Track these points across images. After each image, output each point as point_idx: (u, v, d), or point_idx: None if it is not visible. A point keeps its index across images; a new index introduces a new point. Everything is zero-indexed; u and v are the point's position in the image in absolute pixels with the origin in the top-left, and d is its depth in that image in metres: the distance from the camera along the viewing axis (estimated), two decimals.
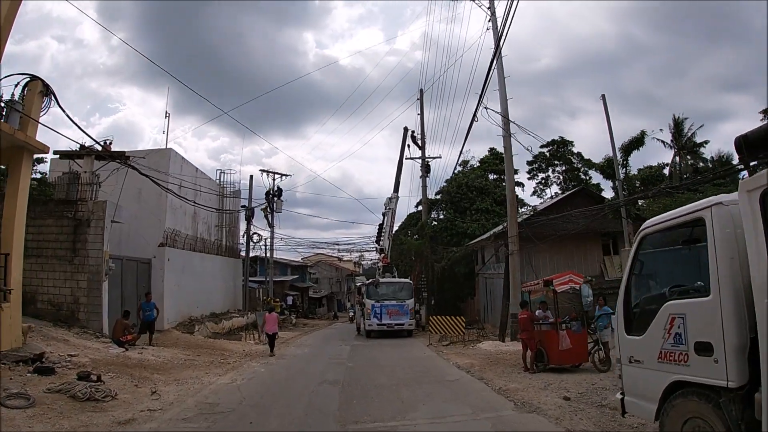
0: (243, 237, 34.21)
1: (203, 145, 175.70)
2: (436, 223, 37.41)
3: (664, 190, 20.36)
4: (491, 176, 40.68)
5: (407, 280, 26.60)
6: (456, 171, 39.40)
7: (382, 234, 29.95)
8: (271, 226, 38.03)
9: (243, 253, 34.26)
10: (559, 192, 40.56)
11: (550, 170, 44.66)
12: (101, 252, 17.36)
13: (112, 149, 20.15)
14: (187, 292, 24.04)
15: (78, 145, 18.42)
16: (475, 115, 20.11)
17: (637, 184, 30.08)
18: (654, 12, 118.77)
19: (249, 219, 33.44)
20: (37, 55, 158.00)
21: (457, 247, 31.65)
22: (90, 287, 17.18)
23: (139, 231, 22.60)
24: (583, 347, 12.85)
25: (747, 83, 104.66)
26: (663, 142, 34.81)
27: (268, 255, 39.23)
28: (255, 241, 34.51)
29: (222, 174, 32.36)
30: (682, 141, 35.05)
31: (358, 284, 33.55)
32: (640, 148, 30.46)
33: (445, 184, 41.25)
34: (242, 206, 33.62)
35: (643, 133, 29.08)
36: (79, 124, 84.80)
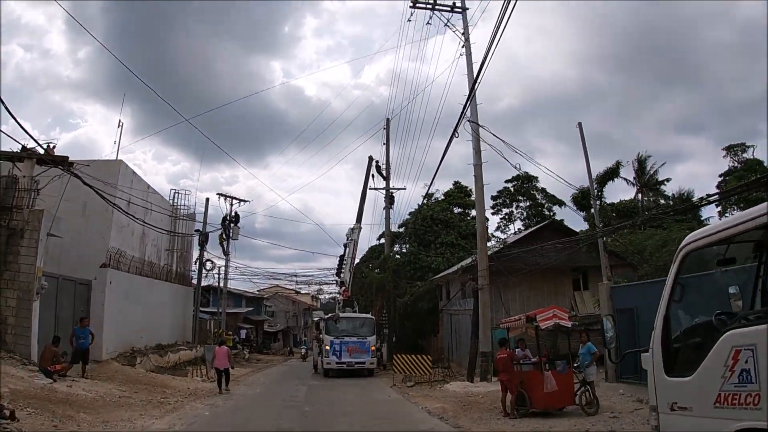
0: (195, 264, 32.35)
1: (163, 169, 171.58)
2: (399, 256, 36.24)
3: (655, 216, 19.67)
4: (456, 210, 39.93)
5: (369, 316, 25.17)
6: (421, 204, 38.62)
7: (343, 266, 28.49)
8: (226, 253, 36.28)
9: (195, 281, 32.31)
10: (522, 228, 40.11)
11: (514, 206, 44.39)
12: (34, 267, 15.50)
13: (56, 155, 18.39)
14: (131, 320, 22.07)
15: (20, 146, 16.55)
16: (452, 137, 19.29)
17: (614, 215, 29.54)
18: (612, 57, 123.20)
19: (202, 244, 31.66)
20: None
21: (422, 282, 30.44)
22: (19, 306, 15.22)
23: (81, 249, 20.71)
24: (569, 389, 11.66)
25: (700, 126, 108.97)
26: (626, 179, 34.82)
27: (221, 284, 37.30)
28: (208, 268, 32.67)
29: (176, 194, 30.66)
30: (645, 179, 35.14)
31: (316, 319, 31.97)
32: (615, 179, 30.10)
33: (408, 216, 40.39)
34: (196, 230, 31.82)
35: (618, 164, 28.56)
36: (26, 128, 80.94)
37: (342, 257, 28.90)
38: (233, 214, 36.67)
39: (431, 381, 19.54)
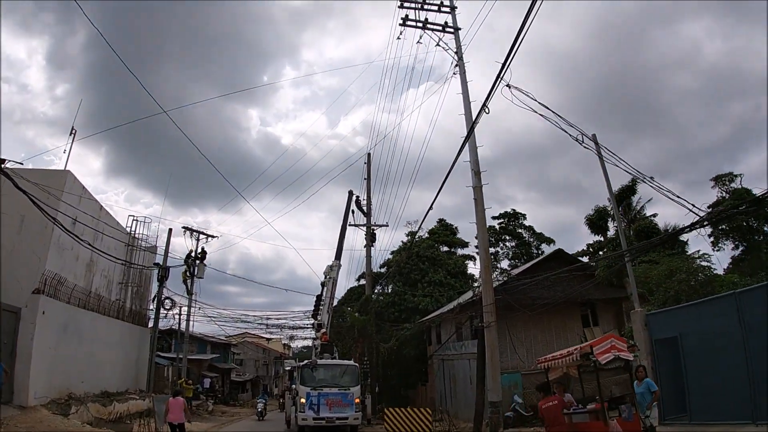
0: (153, 302, 28.69)
1: (136, 211, 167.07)
2: (381, 297, 33.00)
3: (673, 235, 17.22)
4: (443, 248, 37.09)
5: (352, 363, 21.64)
6: (404, 243, 35.77)
7: (321, 306, 25.06)
8: (189, 293, 32.62)
9: (153, 321, 28.63)
10: (508, 268, 37.19)
11: (500, 245, 41.72)
12: None
13: None
14: (69, 360, 18.48)
15: None
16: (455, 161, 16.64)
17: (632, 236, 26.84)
18: (580, 107, 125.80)
19: (162, 280, 28.05)
20: None
21: (409, 324, 27.23)
22: None
23: (14, 271, 17.35)
24: None
25: (667, 171, 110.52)
26: (612, 217, 32.44)
27: (184, 326, 33.51)
28: (167, 307, 28.86)
29: (135, 222, 27.27)
30: (632, 214, 32.85)
31: (288, 368, 28.43)
32: (633, 197, 27.40)
33: (390, 256, 37.45)
34: (156, 263, 28.32)
35: (634, 181, 25.75)
36: None
37: (319, 297, 25.57)
38: (200, 249, 33.43)
39: None
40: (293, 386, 22.97)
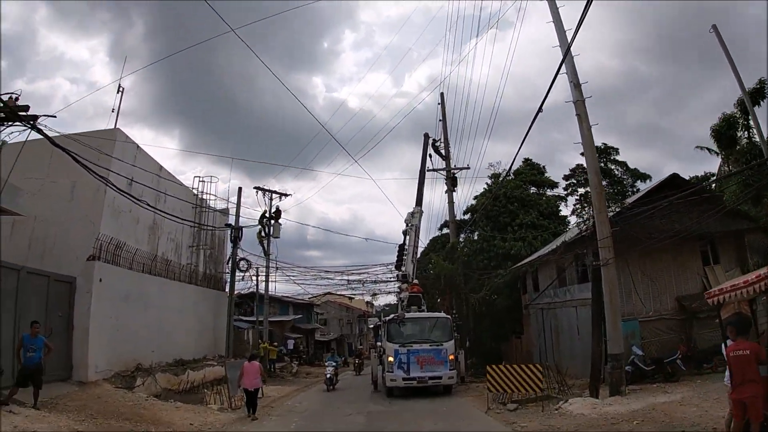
0: (229, 264, 27.30)
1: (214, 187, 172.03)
2: (468, 245, 30.21)
3: None
4: (530, 189, 33.63)
5: (444, 315, 19.34)
6: (489, 184, 32.62)
7: (404, 256, 22.63)
8: (266, 253, 31.22)
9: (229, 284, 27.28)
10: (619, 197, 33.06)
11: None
12: None
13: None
14: (134, 330, 17.10)
15: None
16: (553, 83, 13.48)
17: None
18: (655, 44, 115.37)
19: (235, 240, 26.48)
20: (48, 95, 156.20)
21: (503, 270, 24.41)
22: None
23: (68, 240, 16.13)
24: None
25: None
26: (708, 149, 27.36)
27: (263, 287, 32.26)
28: (243, 269, 27.38)
29: (201, 183, 25.68)
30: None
31: (373, 324, 26.44)
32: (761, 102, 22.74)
33: (474, 201, 34.39)
34: (227, 225, 26.77)
35: (762, 83, 20.74)
36: None
37: (402, 246, 23.14)
38: (274, 209, 31.81)
39: (539, 399, 13.64)
40: (379, 344, 20.97)
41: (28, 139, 12.92)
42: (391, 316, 19.27)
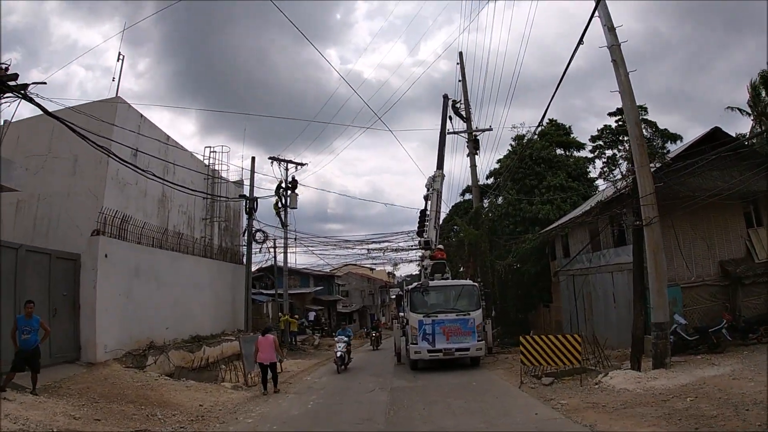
0: (244, 236, 26.55)
1: (233, 164, 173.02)
2: (492, 210, 28.99)
3: None
4: (557, 151, 32.11)
5: (470, 282, 18.25)
6: (513, 146, 31.17)
7: (426, 222, 21.54)
8: (284, 225, 30.43)
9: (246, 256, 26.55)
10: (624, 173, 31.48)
11: (617, 147, 35.61)
12: None
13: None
14: (146, 306, 16.39)
15: None
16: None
17: None
18: (677, 6, 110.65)
19: (250, 212, 25.67)
20: (64, 83, 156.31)
21: (531, 234, 23.24)
22: None
23: (72, 217, 15.43)
24: None
25: None
26: (740, 110, 25.34)
27: (281, 259, 31.55)
28: (259, 240, 26.58)
29: (213, 153, 24.73)
30: (761, 107, 25.62)
31: (395, 294, 25.52)
32: None
33: (497, 165, 33.01)
34: (241, 195, 25.91)
35: None
36: None
37: (423, 212, 22.05)
38: (290, 179, 30.91)
39: (575, 372, 12.60)
40: (401, 314, 20.08)
41: (18, 109, 12.01)
42: (414, 284, 18.30)
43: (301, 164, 32.54)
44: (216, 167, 24.35)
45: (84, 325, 13.90)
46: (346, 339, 18.31)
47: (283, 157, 31.69)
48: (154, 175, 16.74)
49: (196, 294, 20.47)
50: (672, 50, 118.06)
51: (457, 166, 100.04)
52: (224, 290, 23.62)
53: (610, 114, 34.29)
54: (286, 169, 31.83)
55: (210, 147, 24.98)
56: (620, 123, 34.89)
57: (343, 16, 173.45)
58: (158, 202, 19.23)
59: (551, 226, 22.98)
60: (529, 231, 24.86)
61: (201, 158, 24.04)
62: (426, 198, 22.37)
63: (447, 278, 18.88)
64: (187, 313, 19.25)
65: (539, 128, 25.50)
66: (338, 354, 17.59)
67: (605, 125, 35.43)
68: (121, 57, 19.29)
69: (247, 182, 26.93)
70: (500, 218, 26.91)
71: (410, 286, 18.49)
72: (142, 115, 18.69)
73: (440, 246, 20.24)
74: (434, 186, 22.21)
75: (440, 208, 22.13)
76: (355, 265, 58.95)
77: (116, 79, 18.80)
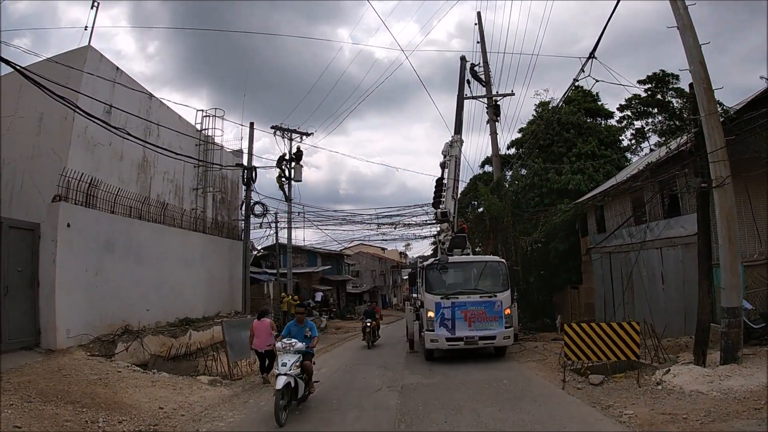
0: (242, 209, 24.50)
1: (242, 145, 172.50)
2: (516, 181, 26.62)
3: None
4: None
5: (497, 258, 15.79)
6: (538, 112, 28.63)
7: (443, 192, 19.15)
8: (287, 198, 28.39)
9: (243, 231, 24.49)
10: (654, 147, 28.84)
11: (645, 119, 32.84)
12: None
13: None
14: (122, 285, 14.50)
15: None
16: None
17: None
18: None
19: (248, 182, 23.55)
20: None
21: (562, 205, 20.91)
22: None
23: (35, 180, 13.53)
24: None
25: None
26: None
27: (284, 235, 29.57)
28: (257, 213, 24.47)
29: (205, 118, 22.55)
30: None
31: (406, 276, 23.31)
32: None
33: (519, 134, 30.54)
34: (237, 164, 23.80)
35: None
36: None
37: (440, 181, 19.63)
38: (295, 149, 28.82)
39: (626, 367, 10.40)
40: (415, 296, 17.90)
41: None
42: (431, 260, 15.91)
43: (306, 134, 30.38)
44: (209, 132, 22.26)
45: (43, 306, 11.99)
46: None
47: (286, 126, 29.68)
48: (129, 134, 14.60)
49: (186, 272, 18.53)
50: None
51: (473, 146, 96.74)
52: (220, 268, 21.67)
53: (641, 82, 31.50)
54: (290, 139, 29.84)
55: (203, 110, 22.78)
56: (650, 92, 32.20)
57: None
58: (138, 167, 17.17)
59: (587, 196, 20.59)
60: (557, 204, 22.57)
61: (193, 124, 21.98)
62: (443, 166, 20.02)
63: (467, 253, 16.67)
64: (174, 293, 17.34)
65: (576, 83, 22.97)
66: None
67: (634, 95, 32.78)
68: (95, 3, 17.17)
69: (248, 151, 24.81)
70: (524, 190, 24.57)
71: (426, 262, 16.16)
72: (118, 68, 16.56)
73: (463, 220, 17.90)
74: (452, 152, 19.84)
75: (459, 176, 19.81)
76: (365, 243, 57.19)
77: (89, 28, 16.76)
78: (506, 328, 13.67)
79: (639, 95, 32.39)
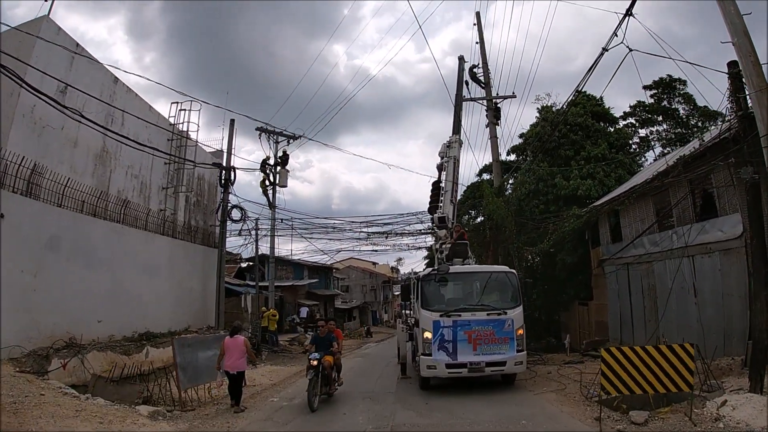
0: (218, 214, 22.54)
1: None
2: (517, 188, 24.83)
3: None
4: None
5: (506, 268, 13.49)
6: (538, 117, 26.97)
7: (441, 196, 17.21)
8: (272, 206, 26.59)
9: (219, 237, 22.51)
10: (659, 156, 27.20)
11: (649, 127, 31.25)
12: None
13: None
14: (66, 291, 12.63)
15: None
16: None
17: None
18: (688, 5, 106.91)
19: (226, 183, 21.61)
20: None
21: (575, 210, 19.16)
22: None
23: None
24: None
25: None
26: None
27: (264, 245, 27.67)
28: (235, 219, 22.55)
29: (180, 111, 20.74)
30: None
31: (400, 285, 21.31)
32: None
33: (520, 140, 28.85)
34: (214, 164, 21.90)
35: None
36: None
37: (437, 184, 17.72)
38: (280, 153, 27.08)
39: (670, 399, 8.54)
40: (407, 312, 15.99)
41: None
42: (428, 270, 13.76)
43: (295, 137, 28.66)
44: (183, 127, 20.46)
45: None
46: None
47: (272, 128, 27.95)
48: (83, 116, 12.79)
49: (148, 280, 16.64)
50: (683, 49, 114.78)
51: (467, 165, 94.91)
52: (190, 277, 19.78)
53: (646, 87, 29.97)
54: (276, 142, 28.18)
55: (178, 102, 20.95)
56: (656, 98, 30.73)
57: (351, 11, 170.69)
58: (96, 157, 15.35)
59: (605, 198, 18.82)
60: (564, 211, 20.87)
61: (166, 117, 20.19)
62: (440, 168, 18.20)
63: (469, 262, 14.79)
64: (132, 303, 15.42)
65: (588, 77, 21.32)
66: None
67: (638, 101, 31.29)
68: None
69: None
70: (527, 197, 22.71)
71: (421, 272, 14.19)
72: (78, 44, 14.79)
73: (455, 226, 15.90)
74: (450, 153, 18.02)
75: (458, 179, 18.03)
76: (355, 258, 55.26)
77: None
78: (518, 351, 11.60)
79: (643, 102, 30.93)
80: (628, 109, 31.20)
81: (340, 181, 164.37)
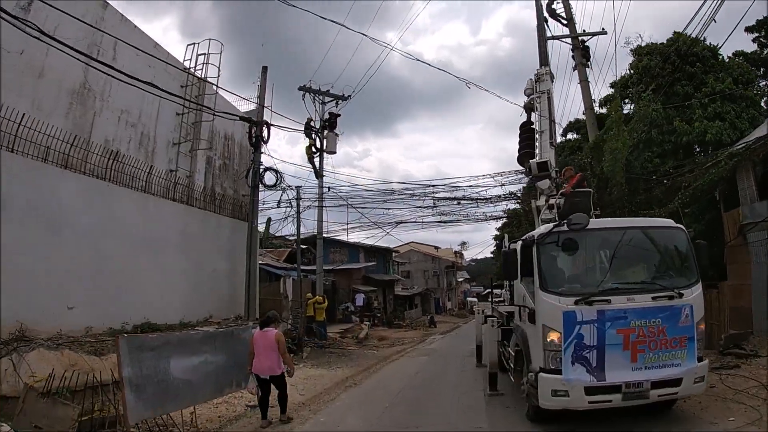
0: (248, 178, 19.05)
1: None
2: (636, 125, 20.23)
3: None
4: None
5: (669, 222, 8.11)
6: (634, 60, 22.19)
7: (537, 139, 13.01)
8: (319, 174, 23.35)
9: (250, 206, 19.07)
10: None
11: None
12: None
13: None
14: (17, 265, 9.32)
15: None
16: None
17: None
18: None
19: (258, 141, 18.11)
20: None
21: (720, 152, 14.78)
22: None
23: None
24: None
25: None
26: None
27: (309, 216, 24.53)
28: (267, 183, 18.89)
29: (197, 55, 17.47)
30: None
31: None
32: None
33: (619, 75, 23.90)
34: (242, 117, 18.40)
35: None
36: None
37: (527, 125, 13.67)
38: (328, 115, 23.83)
39: None
40: (500, 300, 11.95)
41: None
42: (549, 227, 7.86)
43: (343, 97, 25.38)
44: (200, 73, 17.15)
45: None
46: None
47: (317, 88, 24.87)
48: (42, 31, 9.41)
49: (152, 256, 13.42)
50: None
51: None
52: (213, 256, 16.60)
53: (749, 29, 24.02)
54: (323, 103, 25.03)
55: (194, 44, 17.63)
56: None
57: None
58: (72, 94, 12.07)
59: (742, 141, 14.33)
60: (686, 162, 16.51)
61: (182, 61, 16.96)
62: (528, 108, 14.15)
63: (593, 216, 9.62)
64: (123, 285, 12.18)
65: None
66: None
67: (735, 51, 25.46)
68: None
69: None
70: (638, 148, 18.16)
71: (539, 233, 7.93)
72: None
73: (567, 168, 11.55)
74: (541, 87, 13.96)
75: (554, 116, 14.00)
76: (416, 242, 51.91)
77: None
78: (699, 361, 7.05)
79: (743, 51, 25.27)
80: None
81: (398, 169, 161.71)
